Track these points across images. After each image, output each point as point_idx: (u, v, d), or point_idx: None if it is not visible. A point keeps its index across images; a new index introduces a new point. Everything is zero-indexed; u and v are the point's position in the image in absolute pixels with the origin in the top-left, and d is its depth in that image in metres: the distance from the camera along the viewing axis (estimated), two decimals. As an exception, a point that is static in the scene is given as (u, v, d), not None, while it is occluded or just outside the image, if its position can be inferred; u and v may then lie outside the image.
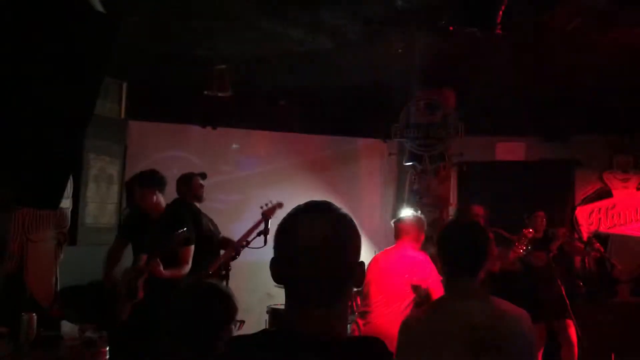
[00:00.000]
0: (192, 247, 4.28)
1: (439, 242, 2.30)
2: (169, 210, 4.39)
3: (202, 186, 4.98)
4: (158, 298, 3.92)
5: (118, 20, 2.43)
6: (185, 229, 4.03)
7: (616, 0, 3.37)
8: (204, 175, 5.04)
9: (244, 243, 4.76)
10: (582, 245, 6.08)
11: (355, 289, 1.31)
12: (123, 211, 5.45)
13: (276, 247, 1.30)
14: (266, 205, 4.75)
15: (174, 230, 4.05)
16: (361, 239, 1.32)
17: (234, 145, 6.65)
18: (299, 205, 1.32)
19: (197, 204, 4.91)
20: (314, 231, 1.25)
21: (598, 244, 5.89)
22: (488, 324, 2.02)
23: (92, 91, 2.87)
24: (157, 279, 4.01)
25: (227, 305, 2.16)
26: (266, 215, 4.71)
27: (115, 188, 5.90)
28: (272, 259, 1.29)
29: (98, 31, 2.61)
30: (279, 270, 1.28)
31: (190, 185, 4.91)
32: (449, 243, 2.24)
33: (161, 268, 3.98)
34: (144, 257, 4.04)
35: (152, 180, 4.30)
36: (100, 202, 5.74)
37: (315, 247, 1.24)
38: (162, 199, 4.33)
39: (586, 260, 6.46)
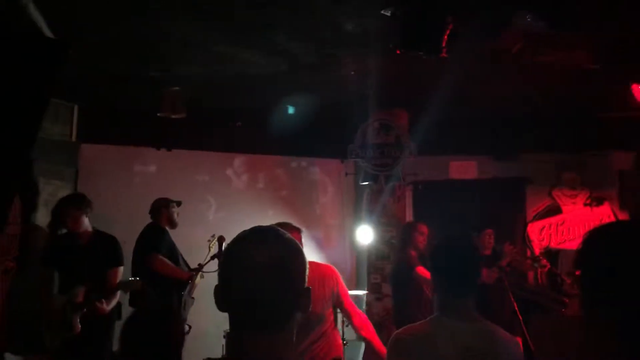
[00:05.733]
0: (121, 268, 4.29)
1: (432, 261, 2.24)
2: (145, 233, 4.65)
3: (177, 214, 5.09)
4: (95, 332, 3.90)
5: (66, 45, 2.39)
6: (137, 278, 4.10)
7: (556, 24, 3.52)
8: (179, 203, 5.16)
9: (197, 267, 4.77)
10: (529, 261, 6.23)
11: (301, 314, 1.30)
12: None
13: (220, 274, 1.28)
14: (212, 237, 4.85)
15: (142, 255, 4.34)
16: (307, 264, 1.31)
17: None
18: (244, 231, 1.30)
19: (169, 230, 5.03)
20: (258, 257, 1.23)
21: (545, 260, 6.03)
22: (483, 346, 2.00)
23: (37, 114, 2.80)
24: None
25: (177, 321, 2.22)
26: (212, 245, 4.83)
27: (66, 212, 5.74)
28: (216, 286, 1.27)
29: (44, 55, 2.57)
30: (223, 296, 1.26)
31: (167, 211, 5.03)
32: (442, 263, 2.18)
33: (105, 306, 3.95)
34: (81, 291, 3.97)
35: (83, 202, 4.32)
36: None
37: (260, 273, 1.22)
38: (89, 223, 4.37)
39: (538, 275, 6.62)
